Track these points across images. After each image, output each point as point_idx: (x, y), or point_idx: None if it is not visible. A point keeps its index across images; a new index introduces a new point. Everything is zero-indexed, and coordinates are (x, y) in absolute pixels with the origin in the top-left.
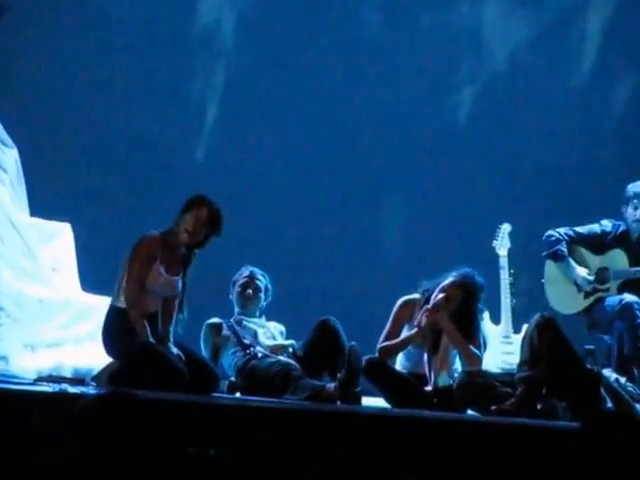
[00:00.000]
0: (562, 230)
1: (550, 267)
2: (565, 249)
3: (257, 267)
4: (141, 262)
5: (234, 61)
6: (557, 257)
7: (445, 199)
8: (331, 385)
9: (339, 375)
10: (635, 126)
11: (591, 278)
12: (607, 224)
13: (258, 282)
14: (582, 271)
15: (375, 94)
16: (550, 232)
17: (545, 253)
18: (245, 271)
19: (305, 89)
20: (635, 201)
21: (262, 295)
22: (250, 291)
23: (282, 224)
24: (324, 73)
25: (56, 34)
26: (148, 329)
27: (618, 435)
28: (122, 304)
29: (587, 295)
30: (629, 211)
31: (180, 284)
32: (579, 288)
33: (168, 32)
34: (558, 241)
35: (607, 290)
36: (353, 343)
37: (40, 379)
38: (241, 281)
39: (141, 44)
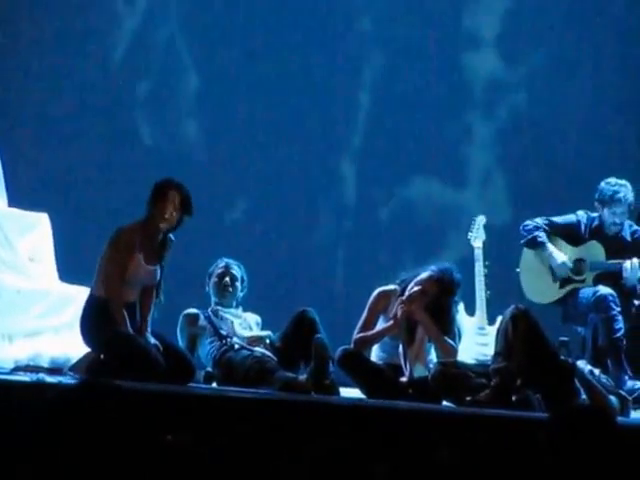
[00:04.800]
0: (539, 220)
1: (527, 255)
2: (543, 236)
3: (232, 259)
4: (120, 254)
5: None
6: (535, 244)
7: (425, 189)
8: (303, 377)
9: (309, 368)
10: (620, 124)
11: (569, 264)
12: (582, 215)
13: (234, 272)
14: (560, 257)
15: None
16: (527, 222)
17: (523, 241)
18: (221, 262)
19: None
20: (614, 208)
21: (238, 285)
22: (227, 280)
23: (258, 215)
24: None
25: (39, 22)
26: (127, 320)
27: (584, 429)
28: (101, 294)
29: (562, 285)
30: (606, 213)
31: (158, 272)
32: (555, 277)
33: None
34: (536, 228)
35: (583, 281)
36: (318, 335)
37: (17, 369)
38: (217, 272)
39: (120, 32)
